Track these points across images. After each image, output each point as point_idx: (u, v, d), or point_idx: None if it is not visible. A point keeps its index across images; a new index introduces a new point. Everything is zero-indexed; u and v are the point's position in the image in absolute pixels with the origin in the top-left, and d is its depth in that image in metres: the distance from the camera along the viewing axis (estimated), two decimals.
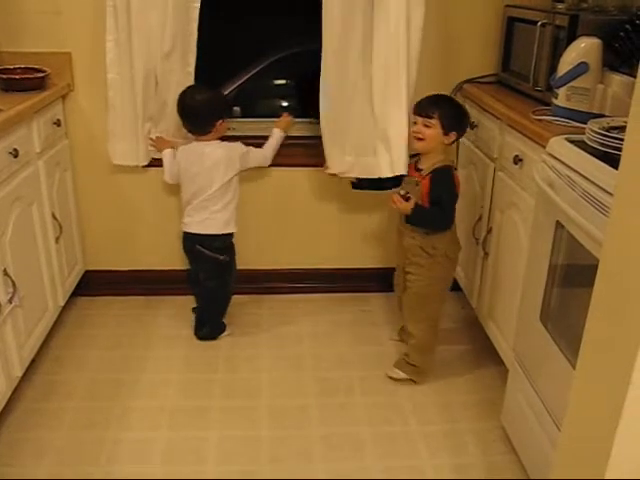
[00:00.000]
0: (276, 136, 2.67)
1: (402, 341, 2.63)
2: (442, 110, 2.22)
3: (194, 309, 2.81)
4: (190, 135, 2.54)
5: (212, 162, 2.47)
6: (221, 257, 2.57)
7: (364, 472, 2.03)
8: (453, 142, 2.29)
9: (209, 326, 2.71)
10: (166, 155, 2.58)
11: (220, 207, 2.52)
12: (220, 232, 2.55)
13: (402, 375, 2.44)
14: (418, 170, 2.30)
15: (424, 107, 2.24)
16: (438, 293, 2.39)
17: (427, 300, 2.39)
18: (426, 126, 2.22)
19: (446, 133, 2.22)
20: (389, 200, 2.28)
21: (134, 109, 2.57)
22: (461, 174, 2.84)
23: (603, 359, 1.05)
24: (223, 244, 2.58)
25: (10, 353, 2.12)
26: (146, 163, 2.69)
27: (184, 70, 2.57)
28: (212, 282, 2.63)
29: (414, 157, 2.40)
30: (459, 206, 2.30)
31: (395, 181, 2.49)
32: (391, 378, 2.46)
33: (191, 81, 2.59)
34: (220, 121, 2.48)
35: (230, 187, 2.53)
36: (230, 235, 2.59)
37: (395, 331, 2.73)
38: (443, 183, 2.25)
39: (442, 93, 2.34)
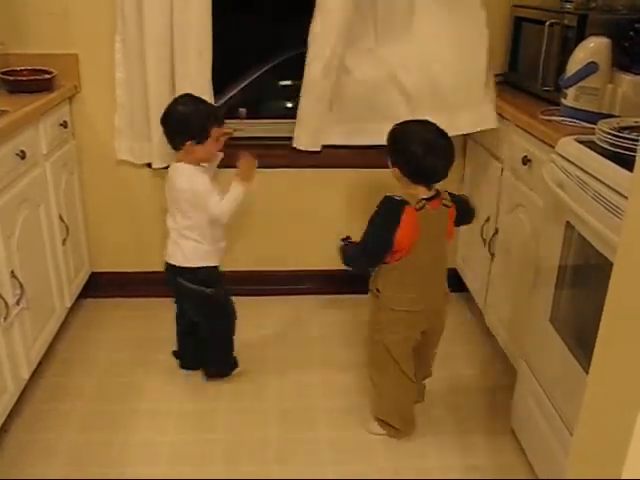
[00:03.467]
0: (234, 192, 2.20)
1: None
2: (390, 137, 1.98)
3: (174, 352, 2.55)
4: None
5: (176, 190, 2.22)
6: (207, 290, 2.29)
7: (373, 474, 2.03)
8: (412, 180, 1.92)
9: (215, 365, 2.47)
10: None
11: (196, 236, 2.24)
12: (198, 265, 2.27)
13: (379, 431, 2.18)
14: None
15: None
16: (385, 344, 2.03)
17: (377, 347, 2.08)
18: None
19: (391, 164, 1.96)
20: None
21: (144, 109, 2.59)
22: (468, 175, 2.84)
23: (618, 361, 1.04)
24: (207, 276, 2.29)
25: (18, 355, 2.12)
26: (162, 167, 2.67)
27: (200, 73, 2.56)
28: (203, 319, 2.38)
29: None
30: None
31: None
32: (371, 433, 2.19)
33: (207, 85, 2.58)
34: (189, 142, 2.15)
35: (202, 221, 2.22)
36: (214, 268, 2.32)
37: None
38: (374, 213, 1.95)
39: (419, 120, 2.01)
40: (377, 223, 1.93)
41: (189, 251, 2.25)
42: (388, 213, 1.91)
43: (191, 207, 2.19)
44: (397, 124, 1.98)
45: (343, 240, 2.08)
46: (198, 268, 2.26)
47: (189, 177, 2.18)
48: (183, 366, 2.50)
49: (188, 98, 2.23)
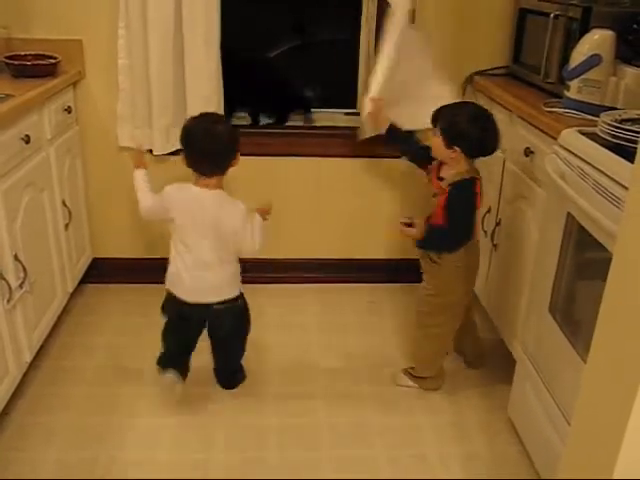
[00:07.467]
0: (260, 224, 2.13)
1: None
2: (442, 121, 2.07)
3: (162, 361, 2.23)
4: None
5: (226, 225, 2.04)
6: (238, 301, 2.21)
7: (370, 461, 2.04)
8: (472, 157, 2.10)
9: (240, 372, 2.39)
10: (137, 178, 2.19)
11: (236, 258, 2.18)
12: (234, 295, 2.19)
13: (409, 383, 2.37)
14: (440, 179, 2.14)
15: (432, 114, 2.11)
16: (443, 305, 2.22)
17: (430, 310, 2.25)
18: (435, 134, 2.10)
19: (448, 146, 2.06)
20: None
21: (147, 96, 2.59)
22: None
23: (615, 351, 1.05)
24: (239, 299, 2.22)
25: (20, 338, 2.13)
26: (163, 153, 2.69)
27: (209, 60, 2.57)
28: (238, 330, 2.27)
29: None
30: None
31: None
32: (398, 385, 2.38)
33: (217, 72, 2.59)
34: (238, 155, 2.06)
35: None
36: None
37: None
38: (457, 200, 2.08)
39: (460, 101, 2.24)
40: (464, 207, 2.11)
41: (234, 278, 2.19)
42: (468, 194, 2.09)
43: (229, 237, 2.07)
44: (442, 107, 2.10)
45: (407, 224, 2.17)
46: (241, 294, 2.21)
47: (244, 212, 2.06)
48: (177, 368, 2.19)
49: (210, 116, 2.09)
